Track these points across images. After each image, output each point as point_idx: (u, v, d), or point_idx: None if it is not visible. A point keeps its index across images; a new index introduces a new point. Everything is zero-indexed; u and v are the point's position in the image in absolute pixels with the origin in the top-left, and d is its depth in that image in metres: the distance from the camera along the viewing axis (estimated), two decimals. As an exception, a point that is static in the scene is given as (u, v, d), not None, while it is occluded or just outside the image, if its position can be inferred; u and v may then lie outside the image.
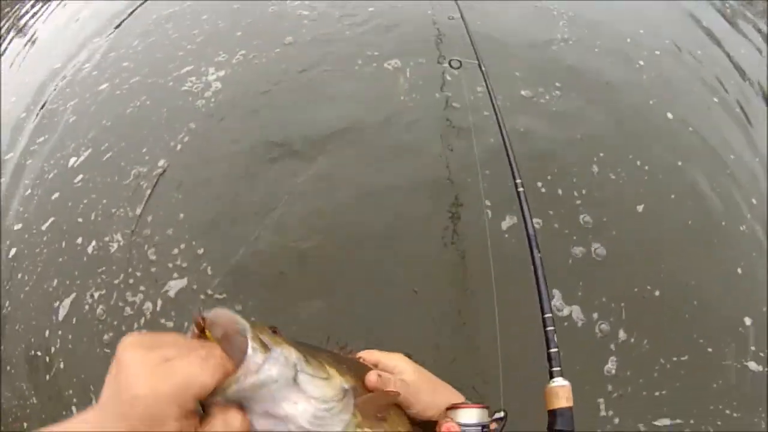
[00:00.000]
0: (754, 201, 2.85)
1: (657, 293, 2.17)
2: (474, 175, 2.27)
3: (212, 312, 0.56)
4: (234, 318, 0.54)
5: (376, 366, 0.83)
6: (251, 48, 3.17)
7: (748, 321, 2.30)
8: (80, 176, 2.59)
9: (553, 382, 0.99)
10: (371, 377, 0.72)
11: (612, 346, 2.00)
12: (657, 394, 1.93)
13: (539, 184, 2.33)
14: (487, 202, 2.19)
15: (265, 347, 0.54)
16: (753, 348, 2.27)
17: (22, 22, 5.19)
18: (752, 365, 2.23)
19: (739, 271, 2.45)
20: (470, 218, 2.22)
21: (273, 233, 2.16)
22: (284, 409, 0.53)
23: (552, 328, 1.13)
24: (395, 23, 3.38)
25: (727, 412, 2.03)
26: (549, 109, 2.85)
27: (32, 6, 5.58)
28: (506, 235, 2.19)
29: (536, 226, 2.16)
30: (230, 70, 3.00)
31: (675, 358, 2.04)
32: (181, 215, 2.26)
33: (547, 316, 1.14)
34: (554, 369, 1.03)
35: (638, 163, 2.60)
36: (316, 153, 2.44)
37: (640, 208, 2.38)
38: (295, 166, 2.37)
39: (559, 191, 2.32)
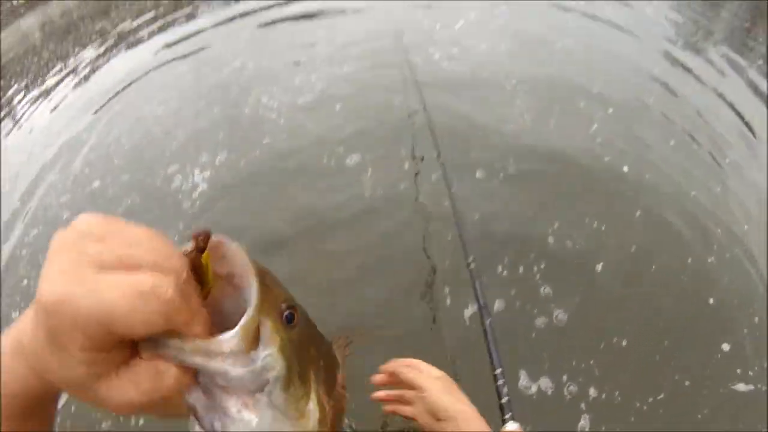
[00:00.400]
0: (719, 231, 3.10)
1: (624, 343, 2.33)
2: (441, 261, 2.64)
3: (226, 240, 0.43)
4: (248, 272, 0.43)
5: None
6: (232, 149, 3.44)
7: (726, 347, 2.43)
8: None
9: (506, 426, 1.11)
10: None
11: (583, 405, 2.11)
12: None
13: (499, 268, 2.63)
14: (447, 290, 2.52)
15: (255, 341, 0.41)
16: (738, 371, 2.41)
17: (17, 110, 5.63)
18: (740, 386, 2.36)
19: (711, 301, 2.65)
20: (433, 305, 2.48)
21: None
22: (228, 407, 0.40)
23: (502, 381, 1.23)
24: (361, 118, 3.79)
25: (722, 434, 2.16)
26: (505, 189, 3.15)
27: (23, 94, 6.09)
28: (468, 323, 2.40)
29: (499, 307, 2.45)
30: (214, 171, 3.25)
31: (651, 399, 2.16)
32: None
33: (497, 371, 1.27)
34: (506, 417, 1.15)
35: (594, 224, 2.91)
36: (289, 252, 2.68)
37: (599, 267, 2.65)
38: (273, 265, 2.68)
39: (520, 269, 2.63)
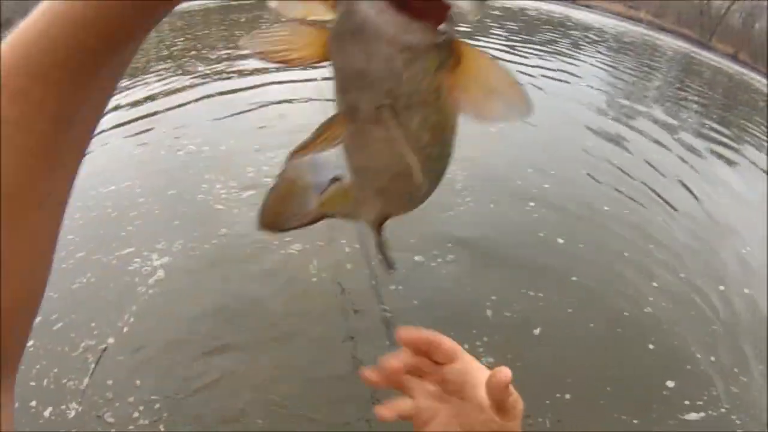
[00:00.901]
0: (654, 284, 3.36)
1: (567, 396, 2.42)
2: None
3: None
4: None
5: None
6: (189, 238, 3.34)
7: (670, 384, 2.56)
8: (31, 342, 2.53)
9: None
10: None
11: None
12: None
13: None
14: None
15: None
16: (687, 402, 2.51)
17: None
18: (692, 416, 2.44)
19: (651, 346, 2.82)
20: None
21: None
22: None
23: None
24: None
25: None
26: (443, 272, 3.29)
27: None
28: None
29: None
30: (171, 258, 3.18)
31: None
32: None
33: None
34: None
35: (531, 293, 3.16)
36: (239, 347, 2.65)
37: (536, 331, 2.84)
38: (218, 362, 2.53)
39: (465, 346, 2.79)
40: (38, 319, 0.38)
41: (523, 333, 2.86)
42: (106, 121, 5.10)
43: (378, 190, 0.42)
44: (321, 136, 0.37)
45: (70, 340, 2.56)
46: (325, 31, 0.32)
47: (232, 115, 5.25)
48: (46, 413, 2.22)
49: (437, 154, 0.38)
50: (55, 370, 2.40)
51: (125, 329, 2.65)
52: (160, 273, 3.05)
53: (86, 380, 2.38)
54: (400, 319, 2.44)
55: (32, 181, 0.34)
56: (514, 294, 3.13)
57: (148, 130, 4.85)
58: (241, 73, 6.61)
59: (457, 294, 3.16)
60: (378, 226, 0.48)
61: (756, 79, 15.47)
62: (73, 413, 2.23)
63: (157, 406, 2.26)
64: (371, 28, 0.29)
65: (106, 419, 2.22)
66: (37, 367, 2.39)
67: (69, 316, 2.65)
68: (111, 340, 2.58)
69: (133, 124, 5.04)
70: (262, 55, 0.35)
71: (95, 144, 4.73)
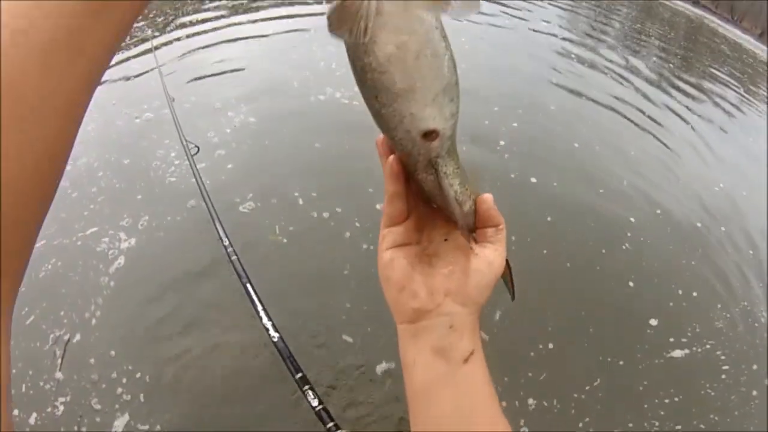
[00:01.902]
0: (632, 219, 3.27)
1: (551, 345, 2.31)
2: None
3: None
4: None
5: None
6: (155, 214, 3.11)
7: (654, 321, 2.46)
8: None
9: None
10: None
11: (522, 419, 2.03)
12: (581, 424, 2.03)
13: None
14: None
15: None
16: (671, 339, 2.42)
17: None
18: (676, 353, 2.37)
19: (631, 284, 2.72)
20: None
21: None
22: None
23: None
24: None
25: (666, 400, 2.13)
26: None
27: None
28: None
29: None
30: (135, 239, 2.99)
31: (588, 387, 2.14)
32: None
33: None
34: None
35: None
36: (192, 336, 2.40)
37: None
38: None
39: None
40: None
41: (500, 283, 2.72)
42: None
43: None
44: None
45: (42, 333, 2.46)
46: None
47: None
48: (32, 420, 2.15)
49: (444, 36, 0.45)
50: (30, 373, 2.30)
51: (97, 313, 2.54)
52: (120, 261, 2.86)
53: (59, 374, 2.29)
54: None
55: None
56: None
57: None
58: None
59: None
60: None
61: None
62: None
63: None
64: None
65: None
66: (13, 371, 2.21)
67: (40, 306, 2.51)
68: (83, 328, 2.48)
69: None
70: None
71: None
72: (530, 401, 2.07)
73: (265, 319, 1.64)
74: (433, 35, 0.44)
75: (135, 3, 0.40)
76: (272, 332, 1.61)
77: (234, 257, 1.89)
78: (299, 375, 1.43)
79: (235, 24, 5.79)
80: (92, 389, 2.17)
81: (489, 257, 0.62)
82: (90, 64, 0.39)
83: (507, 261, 0.63)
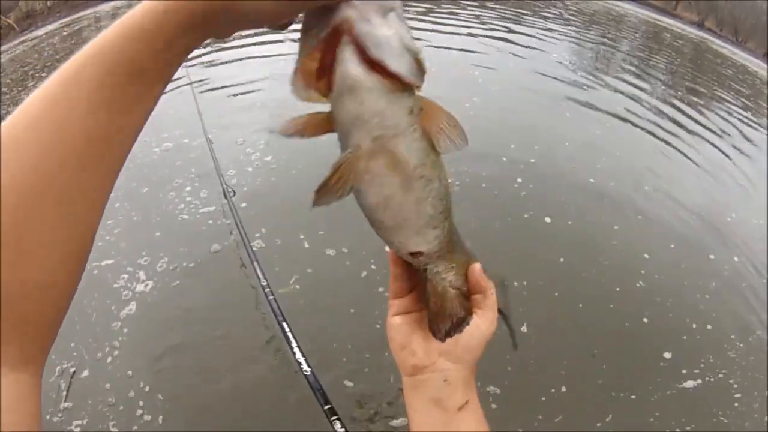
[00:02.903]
0: (646, 256, 3.51)
1: (564, 389, 2.47)
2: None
3: None
4: None
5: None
6: (175, 256, 3.13)
7: (667, 355, 2.70)
8: None
9: None
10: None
11: None
12: None
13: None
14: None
15: None
16: (684, 371, 2.65)
17: None
18: (689, 383, 2.58)
19: (645, 320, 2.96)
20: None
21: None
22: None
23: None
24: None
25: (678, 429, 2.34)
26: None
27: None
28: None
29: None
30: (152, 282, 3.02)
31: (599, 423, 2.34)
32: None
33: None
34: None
35: (515, 283, 3.22)
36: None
37: (524, 328, 2.90)
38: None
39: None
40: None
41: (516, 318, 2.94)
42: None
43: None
44: (334, 176, 0.55)
45: (50, 363, 2.53)
46: (326, 115, 0.55)
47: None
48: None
49: (428, 176, 0.58)
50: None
51: (115, 352, 2.64)
52: (141, 297, 2.94)
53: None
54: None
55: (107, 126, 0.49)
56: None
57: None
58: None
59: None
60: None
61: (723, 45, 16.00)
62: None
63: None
64: (360, 83, 0.51)
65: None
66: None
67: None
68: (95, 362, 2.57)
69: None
70: (295, 135, 0.57)
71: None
72: None
73: (298, 354, 1.91)
74: (416, 184, 0.57)
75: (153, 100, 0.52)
76: (305, 366, 1.87)
77: (271, 297, 2.18)
78: (328, 406, 1.66)
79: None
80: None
81: (477, 322, 0.75)
82: (115, 161, 0.52)
83: (503, 314, 0.78)
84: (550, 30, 9.98)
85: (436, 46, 7.21)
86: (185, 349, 2.58)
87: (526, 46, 8.38)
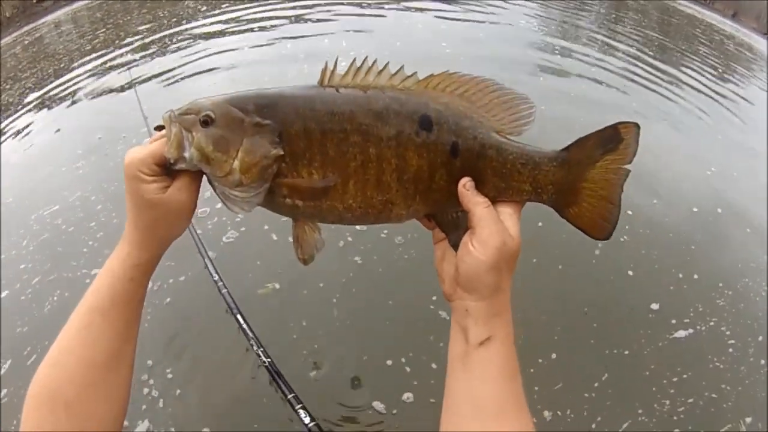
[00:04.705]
0: (629, 212, 3.55)
1: (558, 353, 2.47)
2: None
3: (164, 117, 0.79)
4: (165, 119, 0.78)
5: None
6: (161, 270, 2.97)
7: (655, 306, 2.73)
8: (5, 390, 2.31)
9: None
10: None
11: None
12: (593, 425, 2.20)
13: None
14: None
15: (180, 147, 0.76)
16: (673, 321, 2.69)
17: None
18: (680, 333, 2.62)
19: (630, 273, 3.00)
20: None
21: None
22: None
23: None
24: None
25: (675, 379, 2.38)
26: None
27: None
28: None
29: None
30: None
31: (596, 383, 2.35)
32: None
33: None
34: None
35: None
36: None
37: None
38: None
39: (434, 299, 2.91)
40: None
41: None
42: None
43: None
44: (298, 241, 0.87)
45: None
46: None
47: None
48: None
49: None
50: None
51: None
52: None
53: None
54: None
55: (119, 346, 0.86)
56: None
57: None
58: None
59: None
60: None
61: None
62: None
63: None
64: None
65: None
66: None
67: (42, 345, 2.42)
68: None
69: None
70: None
71: (22, 167, 4.48)
72: (546, 414, 2.26)
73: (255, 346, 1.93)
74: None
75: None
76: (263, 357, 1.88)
77: (224, 290, 2.18)
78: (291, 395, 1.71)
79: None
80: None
81: (467, 245, 0.78)
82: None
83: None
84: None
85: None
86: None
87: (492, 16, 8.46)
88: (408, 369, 2.28)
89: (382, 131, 0.79)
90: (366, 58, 0.82)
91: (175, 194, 0.80)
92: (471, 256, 0.76)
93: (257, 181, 0.77)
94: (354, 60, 0.82)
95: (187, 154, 0.77)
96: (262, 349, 1.94)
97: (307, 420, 1.60)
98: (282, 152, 0.77)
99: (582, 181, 0.86)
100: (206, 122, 0.77)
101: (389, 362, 2.31)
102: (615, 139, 0.84)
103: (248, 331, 2.00)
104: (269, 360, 1.88)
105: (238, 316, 2.08)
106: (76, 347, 0.80)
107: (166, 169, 0.80)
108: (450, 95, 0.83)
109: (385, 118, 0.79)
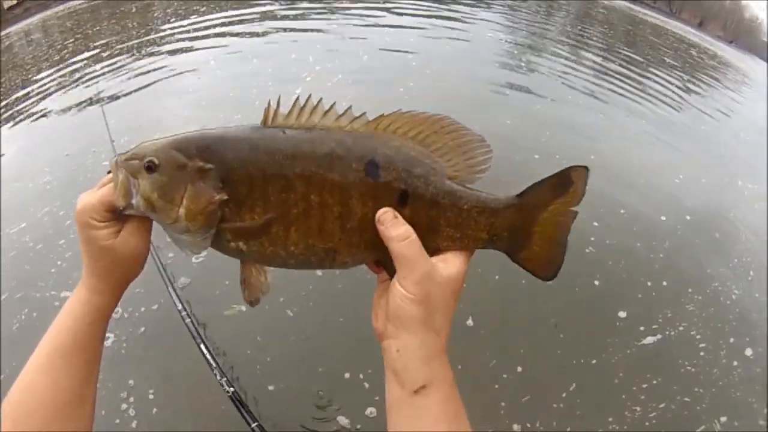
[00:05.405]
0: (595, 224, 3.62)
1: (524, 366, 2.47)
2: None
3: (110, 163, 0.81)
4: (112, 164, 0.79)
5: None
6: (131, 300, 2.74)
7: (622, 314, 2.77)
8: None
9: None
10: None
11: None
12: (568, 429, 2.23)
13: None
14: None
15: (128, 195, 0.78)
16: (642, 328, 2.73)
17: None
18: (648, 339, 2.66)
19: (596, 283, 3.04)
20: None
21: None
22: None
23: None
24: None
25: (644, 385, 2.42)
26: None
27: None
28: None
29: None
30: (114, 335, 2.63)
31: (564, 394, 2.37)
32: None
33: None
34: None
35: None
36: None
37: (469, 321, 2.84)
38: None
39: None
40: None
41: (459, 309, 2.93)
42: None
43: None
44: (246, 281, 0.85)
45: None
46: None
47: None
48: None
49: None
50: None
51: None
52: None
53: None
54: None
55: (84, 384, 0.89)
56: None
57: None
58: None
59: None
60: None
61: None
62: None
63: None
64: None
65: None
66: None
67: (10, 365, 2.32)
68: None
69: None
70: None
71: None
72: (516, 427, 2.26)
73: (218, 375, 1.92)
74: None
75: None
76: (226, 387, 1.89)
77: (188, 320, 2.16)
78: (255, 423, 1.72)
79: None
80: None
81: (395, 281, 0.77)
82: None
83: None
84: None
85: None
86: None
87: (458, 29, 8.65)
88: (366, 385, 2.29)
89: (326, 177, 0.77)
90: (310, 96, 0.80)
91: (126, 239, 0.83)
92: (396, 289, 0.75)
93: (204, 227, 0.78)
94: (297, 99, 0.81)
95: (134, 201, 0.79)
96: (225, 378, 1.94)
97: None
98: (226, 197, 0.77)
99: (534, 225, 0.86)
100: (150, 168, 0.78)
101: (347, 375, 2.33)
102: (566, 183, 0.85)
103: (211, 361, 2.00)
104: (233, 389, 1.88)
105: (201, 346, 2.08)
106: (38, 390, 0.84)
107: (117, 214, 0.82)
108: (402, 138, 0.81)
109: (329, 164, 0.78)
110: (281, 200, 0.78)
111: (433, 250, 0.81)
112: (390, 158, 0.79)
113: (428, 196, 0.80)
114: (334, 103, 0.82)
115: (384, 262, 0.84)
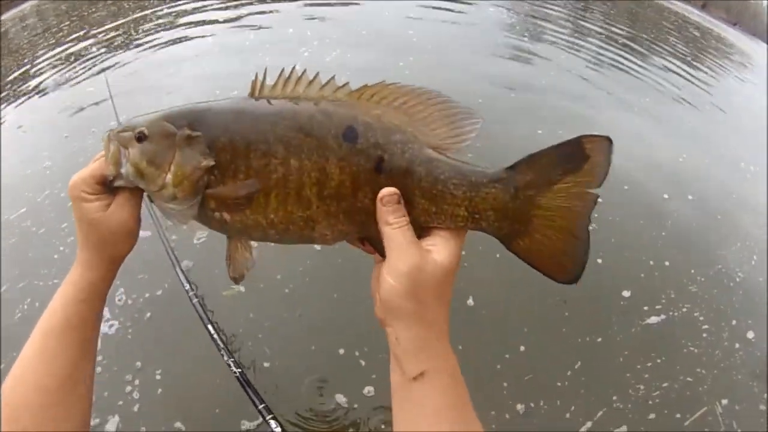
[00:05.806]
0: (599, 200, 3.60)
1: (528, 344, 2.48)
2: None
3: (103, 138, 0.84)
4: (104, 138, 0.83)
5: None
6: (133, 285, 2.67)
7: (626, 293, 2.78)
8: None
9: None
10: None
11: (507, 414, 2.21)
12: (567, 415, 2.22)
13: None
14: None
15: (117, 164, 0.82)
16: (645, 308, 2.75)
17: None
18: (653, 319, 2.68)
19: (600, 261, 3.03)
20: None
21: None
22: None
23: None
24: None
25: (648, 364, 2.44)
26: None
27: None
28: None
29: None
30: (118, 322, 2.59)
31: (569, 372, 2.38)
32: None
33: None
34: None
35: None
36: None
37: (470, 301, 2.76)
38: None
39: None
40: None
41: (459, 288, 2.95)
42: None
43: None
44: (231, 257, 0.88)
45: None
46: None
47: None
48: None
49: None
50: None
51: None
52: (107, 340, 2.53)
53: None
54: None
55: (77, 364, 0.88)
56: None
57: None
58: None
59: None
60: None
61: None
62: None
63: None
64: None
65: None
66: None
67: (11, 356, 2.33)
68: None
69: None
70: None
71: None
72: (519, 407, 2.26)
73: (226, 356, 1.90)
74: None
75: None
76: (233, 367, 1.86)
77: (195, 300, 2.13)
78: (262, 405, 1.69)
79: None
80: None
81: (384, 266, 0.76)
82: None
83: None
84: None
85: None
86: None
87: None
88: (363, 363, 2.28)
89: (304, 142, 0.78)
90: (294, 67, 0.83)
91: (116, 211, 0.85)
92: (384, 281, 0.73)
93: (190, 193, 0.80)
94: (282, 70, 0.83)
95: (123, 170, 0.82)
96: (232, 359, 1.93)
97: (278, 430, 1.61)
98: (213, 162, 0.79)
99: (534, 207, 0.79)
100: (140, 138, 0.81)
101: (341, 351, 2.33)
102: (578, 157, 0.77)
103: (218, 342, 1.99)
104: (240, 371, 1.87)
105: (209, 326, 2.07)
106: (30, 374, 0.85)
107: (108, 188, 0.85)
108: (385, 107, 0.81)
109: (308, 129, 0.79)
110: (262, 165, 0.79)
111: (416, 229, 0.78)
112: (369, 125, 0.79)
113: (404, 163, 0.78)
114: (318, 74, 0.83)
115: (372, 242, 0.84)
